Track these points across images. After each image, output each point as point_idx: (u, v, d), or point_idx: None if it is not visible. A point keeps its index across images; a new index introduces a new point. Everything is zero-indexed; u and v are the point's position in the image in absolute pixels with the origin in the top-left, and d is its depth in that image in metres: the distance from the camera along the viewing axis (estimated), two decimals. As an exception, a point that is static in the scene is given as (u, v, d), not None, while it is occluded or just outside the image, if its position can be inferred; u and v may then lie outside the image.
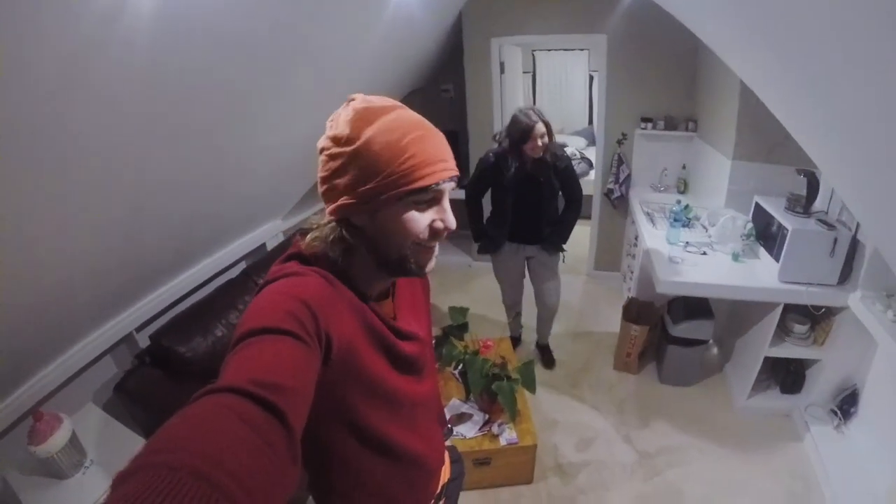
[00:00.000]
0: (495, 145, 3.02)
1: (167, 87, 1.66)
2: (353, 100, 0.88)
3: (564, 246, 3.24)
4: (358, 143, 0.83)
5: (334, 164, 0.85)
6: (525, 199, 3.02)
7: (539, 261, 3.29)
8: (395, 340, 0.98)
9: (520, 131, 2.77)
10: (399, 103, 0.90)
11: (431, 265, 0.96)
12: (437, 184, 0.85)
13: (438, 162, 0.86)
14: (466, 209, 3.14)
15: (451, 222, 0.91)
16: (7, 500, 1.99)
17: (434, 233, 0.90)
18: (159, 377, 2.52)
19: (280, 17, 1.93)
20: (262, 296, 0.80)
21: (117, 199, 1.84)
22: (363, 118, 0.84)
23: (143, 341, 2.66)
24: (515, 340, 3.83)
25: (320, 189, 0.90)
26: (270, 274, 0.87)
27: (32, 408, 2.02)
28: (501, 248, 3.23)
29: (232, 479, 0.48)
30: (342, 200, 0.86)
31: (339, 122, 0.86)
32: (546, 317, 3.58)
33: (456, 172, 0.89)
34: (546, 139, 2.78)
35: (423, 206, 0.88)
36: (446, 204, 0.91)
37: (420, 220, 0.88)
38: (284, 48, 2.12)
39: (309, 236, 0.91)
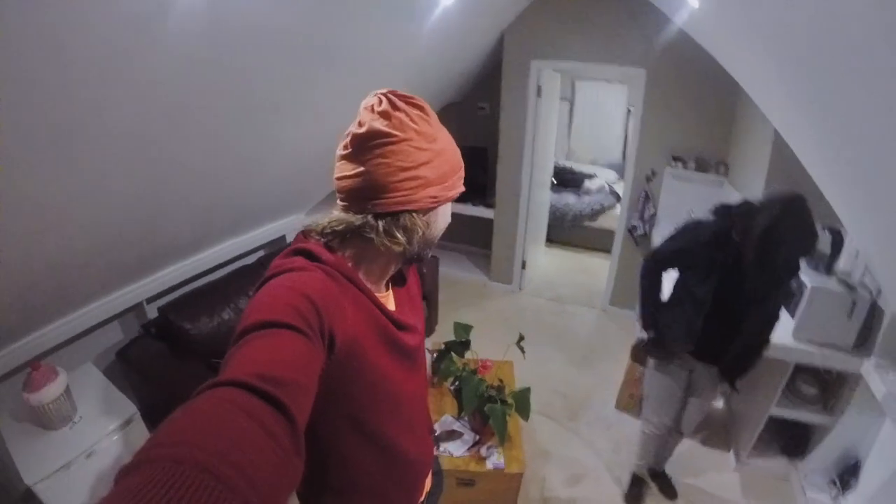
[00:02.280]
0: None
1: (203, 77, 1.71)
2: (410, 97, 0.90)
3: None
4: (437, 147, 0.91)
5: (421, 157, 0.89)
6: (724, 304, 2.14)
7: (704, 378, 2.43)
8: (397, 333, 0.99)
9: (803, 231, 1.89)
10: None
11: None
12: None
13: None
14: (642, 281, 2.35)
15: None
16: None
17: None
18: (162, 350, 2.59)
19: (320, 17, 1.97)
20: (264, 290, 0.80)
21: (141, 175, 1.90)
22: (436, 121, 0.94)
23: (153, 313, 2.73)
24: (640, 483, 2.86)
25: (399, 177, 0.87)
26: (273, 268, 0.87)
27: (35, 358, 2.09)
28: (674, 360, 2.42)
29: (236, 471, 0.48)
30: (430, 191, 0.91)
31: (420, 117, 0.90)
32: (678, 441, 2.78)
33: None
34: None
35: None
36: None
37: (449, 217, 1.03)
38: (322, 47, 2.17)
39: (323, 225, 0.93)
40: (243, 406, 0.56)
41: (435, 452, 1.44)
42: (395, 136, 0.86)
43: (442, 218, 1.00)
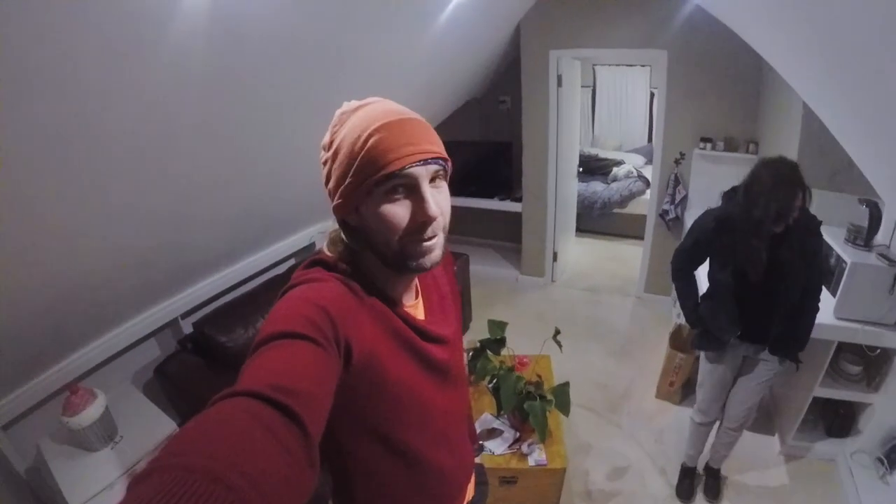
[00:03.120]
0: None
1: (217, 89, 1.73)
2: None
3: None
4: (334, 146, 0.85)
5: (325, 170, 0.88)
6: (754, 283, 2.13)
7: (757, 364, 2.38)
8: (422, 344, 0.95)
9: (777, 203, 1.93)
10: (378, 98, 0.89)
11: (434, 257, 0.88)
12: (403, 169, 0.80)
13: (404, 146, 0.80)
14: (675, 283, 2.45)
15: (430, 210, 0.82)
16: (38, 465, 2.10)
17: (418, 224, 0.84)
18: (199, 364, 2.63)
19: (336, 21, 1.98)
20: (281, 302, 0.80)
21: (166, 194, 1.94)
22: (339, 121, 0.87)
23: (188, 328, 2.78)
24: (690, 474, 2.80)
25: (327, 188, 0.91)
26: (292, 280, 0.87)
27: (73, 381, 2.13)
28: (725, 349, 2.36)
29: (248, 481, 0.48)
30: (334, 203, 0.87)
31: (332, 126, 0.89)
32: (728, 435, 2.63)
33: (430, 154, 0.83)
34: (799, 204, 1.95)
35: (398, 196, 0.83)
36: (424, 191, 0.83)
37: (397, 213, 0.83)
38: (340, 52, 2.17)
39: (325, 242, 0.94)
40: (256, 416, 0.56)
41: (478, 460, 1.41)
42: (321, 156, 0.90)
43: (377, 219, 0.83)
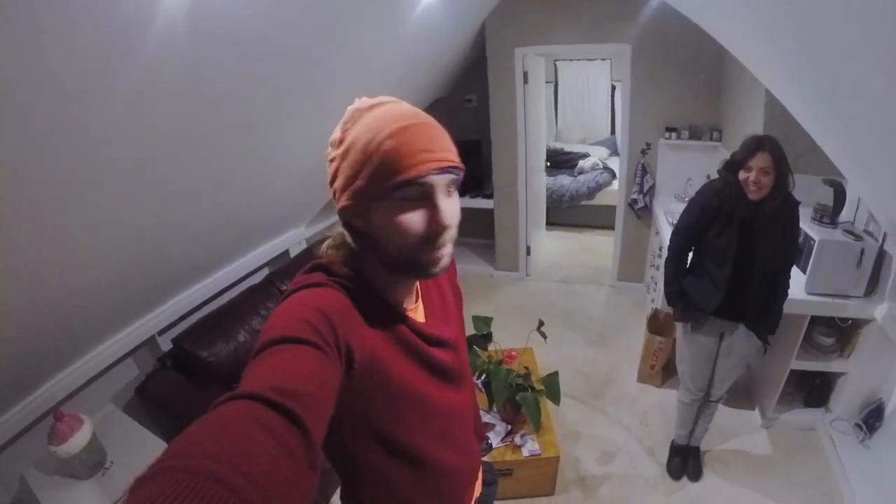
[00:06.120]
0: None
1: (193, 95, 1.69)
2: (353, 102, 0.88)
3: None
4: (346, 144, 0.82)
5: (332, 168, 0.86)
6: (739, 258, 2.22)
7: (734, 342, 2.44)
8: (425, 348, 0.95)
9: (740, 153, 2.09)
10: (394, 99, 0.87)
11: (443, 264, 0.86)
12: (419, 177, 0.78)
13: (421, 153, 0.78)
14: (666, 262, 2.48)
15: (445, 219, 0.81)
16: (25, 498, 1.99)
17: (432, 233, 0.82)
18: (180, 381, 2.55)
19: (304, 26, 1.96)
20: (280, 307, 0.80)
21: (143, 205, 1.88)
22: (352, 118, 0.84)
23: (166, 345, 2.70)
24: (681, 452, 2.88)
25: (331, 188, 0.88)
26: (293, 284, 0.86)
27: (53, 407, 2.05)
28: (706, 321, 2.42)
29: (250, 483, 0.48)
30: (341, 203, 0.85)
31: (342, 124, 0.86)
32: (709, 406, 2.72)
33: (448, 163, 0.81)
34: (770, 179, 2.02)
35: (414, 203, 0.80)
36: (439, 201, 0.81)
37: (413, 220, 0.80)
38: (309, 55, 2.15)
39: (325, 244, 0.93)
40: (258, 418, 0.57)
41: (484, 459, 1.41)
42: (328, 153, 0.87)
43: (389, 225, 0.81)
